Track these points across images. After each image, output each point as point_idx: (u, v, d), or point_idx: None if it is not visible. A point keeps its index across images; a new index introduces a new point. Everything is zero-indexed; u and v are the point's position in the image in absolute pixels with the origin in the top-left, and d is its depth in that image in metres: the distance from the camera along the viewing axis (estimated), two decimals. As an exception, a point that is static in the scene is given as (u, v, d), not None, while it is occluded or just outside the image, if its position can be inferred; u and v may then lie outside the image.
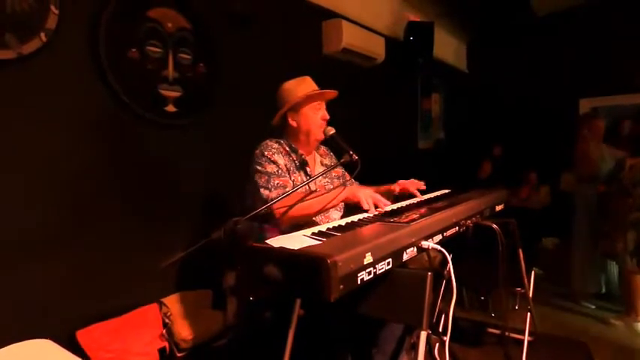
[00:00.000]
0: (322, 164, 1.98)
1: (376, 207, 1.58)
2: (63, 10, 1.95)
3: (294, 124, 1.85)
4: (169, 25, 2.42)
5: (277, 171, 1.72)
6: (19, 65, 1.84)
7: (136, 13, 2.27)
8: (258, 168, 1.73)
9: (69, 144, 2.03)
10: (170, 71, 2.44)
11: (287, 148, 1.84)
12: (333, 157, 2.06)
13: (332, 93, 1.88)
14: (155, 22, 2.35)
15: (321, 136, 1.85)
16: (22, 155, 1.87)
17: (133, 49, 2.25)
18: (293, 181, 1.77)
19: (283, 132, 1.91)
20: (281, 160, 1.76)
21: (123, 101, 2.21)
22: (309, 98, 1.82)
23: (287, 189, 1.64)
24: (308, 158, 1.89)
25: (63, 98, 2.00)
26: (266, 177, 1.70)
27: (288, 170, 1.77)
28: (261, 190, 1.68)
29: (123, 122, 2.25)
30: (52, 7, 1.91)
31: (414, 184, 1.92)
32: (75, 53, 2.05)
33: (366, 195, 1.59)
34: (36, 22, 1.87)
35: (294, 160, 1.83)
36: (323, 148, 2.05)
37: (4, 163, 1.82)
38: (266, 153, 1.75)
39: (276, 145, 1.81)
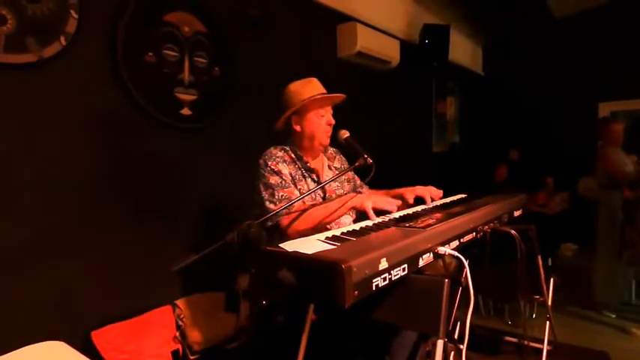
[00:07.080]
0: (330, 168, 1.91)
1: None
2: (82, 15, 1.99)
3: (298, 128, 1.76)
4: (186, 29, 2.44)
5: (281, 182, 1.65)
6: (40, 68, 1.88)
7: (154, 17, 2.30)
8: (263, 180, 1.66)
9: (86, 146, 2.06)
10: (186, 75, 2.46)
11: (292, 155, 1.75)
12: (343, 159, 1.99)
13: (339, 96, 1.77)
14: (172, 26, 2.37)
15: (327, 142, 1.78)
16: (40, 156, 1.90)
17: (150, 53, 2.27)
18: (299, 190, 1.69)
19: (289, 137, 1.83)
20: (285, 169, 1.69)
21: (139, 104, 2.24)
22: (315, 102, 1.72)
23: (292, 200, 1.56)
24: (315, 164, 1.82)
25: (81, 101, 2.03)
26: (270, 190, 1.63)
27: (293, 179, 1.70)
28: (267, 203, 1.62)
29: (139, 125, 2.27)
30: (72, 12, 1.95)
31: (428, 191, 1.79)
32: (93, 57, 2.08)
33: (375, 201, 1.52)
34: (56, 26, 1.91)
35: (299, 168, 1.75)
36: (331, 151, 1.96)
37: (23, 164, 1.85)
38: (269, 163, 1.67)
39: (280, 153, 1.72)
